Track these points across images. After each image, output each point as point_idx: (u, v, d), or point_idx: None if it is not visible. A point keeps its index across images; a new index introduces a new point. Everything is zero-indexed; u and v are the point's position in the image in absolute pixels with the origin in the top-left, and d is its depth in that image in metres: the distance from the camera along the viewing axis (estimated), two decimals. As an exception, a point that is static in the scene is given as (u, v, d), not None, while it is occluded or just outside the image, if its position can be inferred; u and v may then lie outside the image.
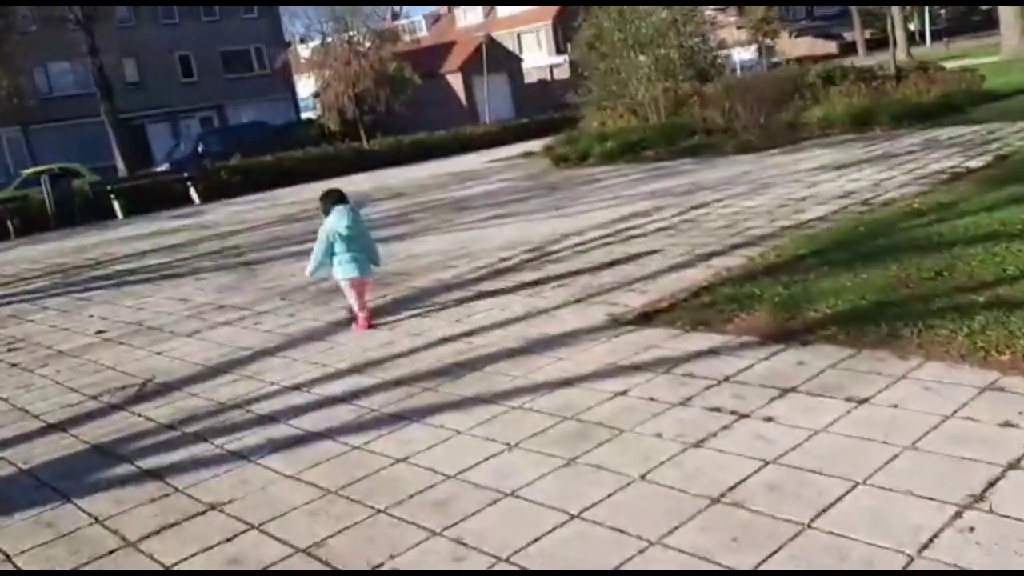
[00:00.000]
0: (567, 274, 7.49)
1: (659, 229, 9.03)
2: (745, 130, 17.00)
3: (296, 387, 5.40)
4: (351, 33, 29.47)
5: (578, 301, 6.48)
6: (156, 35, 45.51)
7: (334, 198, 6.77)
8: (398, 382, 5.17)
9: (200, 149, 32.51)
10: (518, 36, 69.30)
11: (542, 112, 36.62)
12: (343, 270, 6.69)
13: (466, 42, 53.78)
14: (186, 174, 23.60)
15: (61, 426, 5.30)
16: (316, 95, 61.04)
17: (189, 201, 23.00)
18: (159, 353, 6.90)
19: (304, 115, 53.62)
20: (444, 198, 15.41)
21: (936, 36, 59.27)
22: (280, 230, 14.11)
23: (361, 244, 6.77)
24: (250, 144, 28.97)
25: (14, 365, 7.20)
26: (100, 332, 8.00)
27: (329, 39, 30.99)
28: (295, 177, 24.61)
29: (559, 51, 68.11)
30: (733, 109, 17.71)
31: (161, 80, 46.12)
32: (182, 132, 47.02)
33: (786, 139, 15.52)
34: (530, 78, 59.48)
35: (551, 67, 65.34)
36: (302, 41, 50.73)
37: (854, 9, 58.84)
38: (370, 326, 6.68)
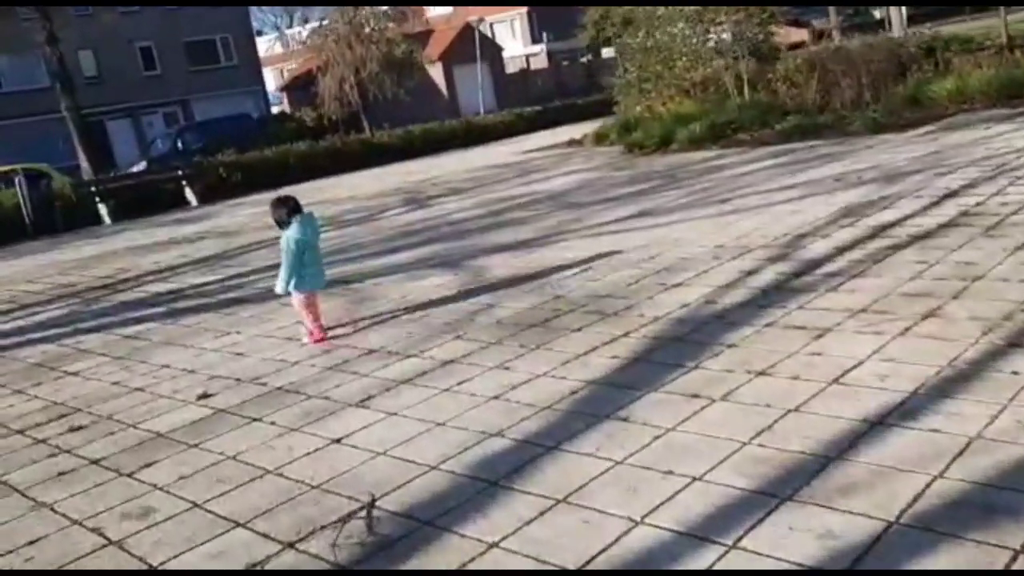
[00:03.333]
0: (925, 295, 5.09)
1: (945, 226, 6.66)
2: (856, 107, 14.77)
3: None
4: (354, 13, 26.39)
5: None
6: (115, 25, 41.96)
7: (290, 206, 6.33)
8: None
9: (179, 145, 29.48)
10: (491, 26, 66.63)
11: (525, 104, 34.21)
12: (311, 283, 6.35)
13: (445, 31, 51.03)
14: (180, 172, 20.67)
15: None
16: (283, 88, 58.02)
17: (185, 203, 20.13)
18: (337, 441, 4.33)
19: (274, 109, 50.74)
20: (524, 194, 12.87)
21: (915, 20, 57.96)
22: (336, 236, 11.48)
23: (319, 254, 6.59)
24: (233, 138, 26.07)
25: (98, 464, 4.55)
26: (204, 397, 5.38)
27: (325, 21, 27.94)
28: (302, 173, 21.86)
29: (535, 40, 65.80)
30: (836, 85, 15.45)
31: (121, 73, 42.69)
32: (145, 129, 43.78)
33: (920, 116, 13.30)
34: (507, 68, 56.94)
35: (527, 57, 62.97)
36: (276, 29, 47.49)
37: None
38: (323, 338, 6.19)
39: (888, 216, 7.26)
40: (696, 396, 4.14)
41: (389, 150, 23.90)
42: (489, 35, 63.38)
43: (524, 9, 64.68)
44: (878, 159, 10.34)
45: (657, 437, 3.76)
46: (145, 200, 19.74)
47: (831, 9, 58.93)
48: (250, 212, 16.52)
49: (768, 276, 6.06)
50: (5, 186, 19.25)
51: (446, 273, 7.99)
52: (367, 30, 26.52)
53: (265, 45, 68.40)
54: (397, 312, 6.80)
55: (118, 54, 42.56)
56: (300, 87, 51.46)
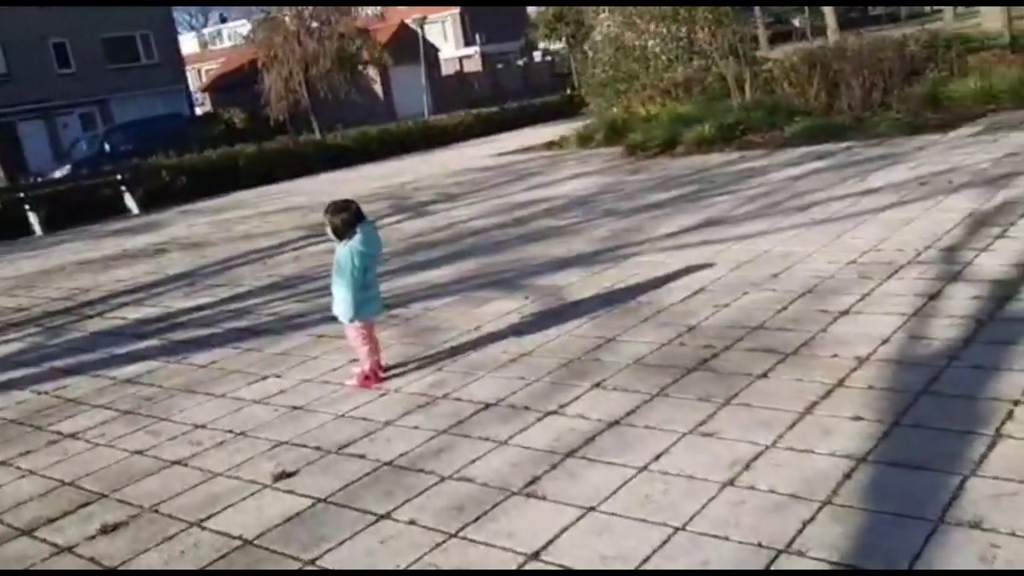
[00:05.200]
0: None
1: None
2: (866, 108, 13.96)
3: None
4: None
5: None
6: (26, 19, 39.01)
7: (352, 211, 5.03)
8: None
9: (106, 147, 27.23)
10: (421, 27, 64.95)
11: (462, 106, 32.86)
12: (372, 309, 5.18)
13: (381, 30, 49.25)
14: (119, 176, 18.69)
15: None
16: (205, 89, 55.26)
17: (124, 210, 18.20)
18: (535, 555, 3.00)
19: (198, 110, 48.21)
20: (537, 199, 11.60)
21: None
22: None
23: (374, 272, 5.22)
24: (165, 140, 24.10)
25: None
26: (283, 477, 3.96)
27: (272, 12, 25.95)
28: (252, 177, 20.13)
29: (468, 43, 64.51)
30: (840, 84, 14.63)
31: (33, 71, 39.70)
32: (60, 131, 40.87)
33: (949, 116, 12.52)
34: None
35: (460, 59, 61.65)
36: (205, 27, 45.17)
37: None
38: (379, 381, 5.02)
39: (1039, 227, 6.24)
40: (1055, 485, 2.95)
41: (345, 153, 22.29)
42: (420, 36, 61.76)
43: (456, 10, 63.30)
44: (948, 161, 9.41)
45: (1070, 560, 2.55)
46: (78, 208, 17.75)
47: (759, 19, 59.54)
48: (208, 221, 14.83)
49: (962, 301, 4.94)
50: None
51: (510, 295, 6.68)
52: (316, 24, 24.71)
53: (192, 45, 65.53)
54: (476, 347, 5.47)
55: (29, 50, 39.63)
56: (226, 87, 49.12)
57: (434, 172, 17.13)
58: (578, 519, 3.21)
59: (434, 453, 3.98)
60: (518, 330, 5.73)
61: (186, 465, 4.30)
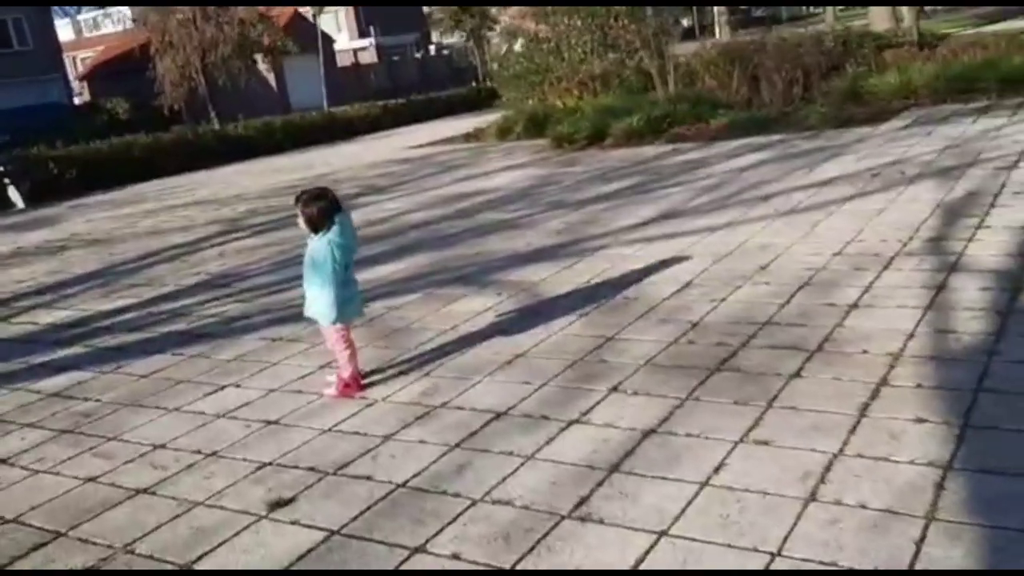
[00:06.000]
0: None
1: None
2: (787, 102, 14.08)
3: None
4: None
5: None
6: None
7: (329, 201, 4.49)
8: None
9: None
10: (313, 17, 63.21)
11: (359, 99, 31.96)
12: (354, 309, 4.67)
13: (275, 19, 47.53)
14: (1, 168, 17.24)
15: None
16: (83, 78, 52.20)
17: (9, 205, 16.81)
18: (616, 594, 2.60)
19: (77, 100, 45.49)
20: (474, 192, 11.16)
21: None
22: (271, 243, 9.35)
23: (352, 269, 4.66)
24: (43, 130, 22.55)
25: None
26: (280, 505, 3.43)
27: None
28: (149, 170, 18.96)
29: (362, 34, 63.22)
30: (761, 78, 14.71)
31: None
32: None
33: (873, 110, 12.71)
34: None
35: (355, 51, 60.36)
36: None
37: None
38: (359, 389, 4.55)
39: (1017, 215, 6.19)
40: None
41: (247, 144, 21.26)
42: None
43: (351, 1, 61.86)
44: (890, 153, 9.44)
45: None
46: (-47, 201, 16.32)
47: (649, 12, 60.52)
48: (109, 215, 13.78)
49: (972, 293, 4.78)
50: None
51: (479, 291, 6.24)
52: (213, 8, 23.38)
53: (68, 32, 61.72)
54: (461, 349, 5.02)
55: None
56: (107, 76, 46.50)
57: (351, 164, 16.44)
58: (652, 547, 2.82)
59: (454, 472, 3.51)
60: (502, 329, 5.30)
61: (154, 493, 3.70)
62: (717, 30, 45.79)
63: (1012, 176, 7.45)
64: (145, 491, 3.73)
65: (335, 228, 4.47)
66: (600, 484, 3.26)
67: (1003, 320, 4.33)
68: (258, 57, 26.85)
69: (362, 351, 5.15)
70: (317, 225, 4.50)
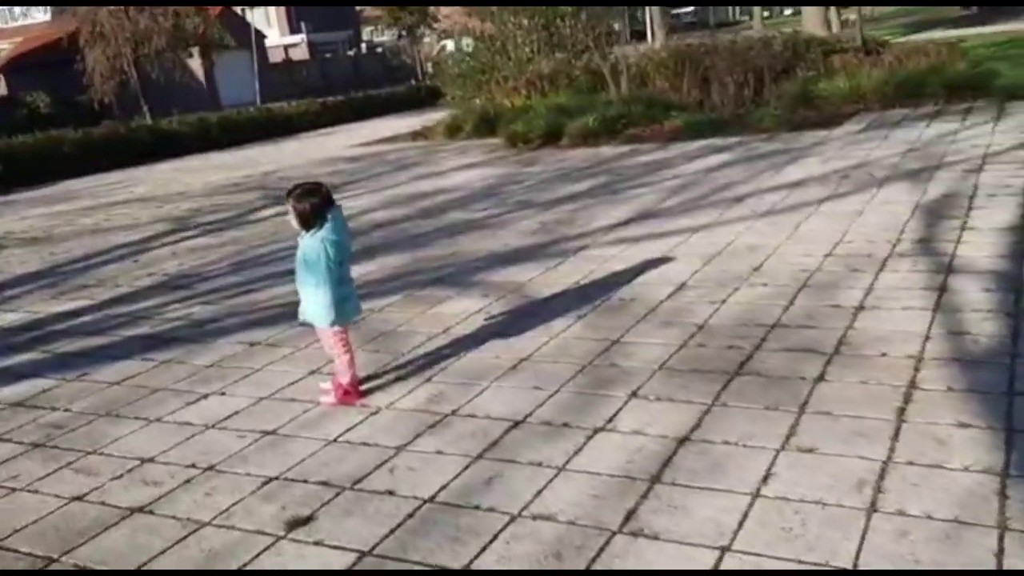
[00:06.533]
0: None
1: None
2: (738, 104, 14.20)
3: None
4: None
5: None
6: None
7: (323, 195, 4.27)
8: None
9: None
10: (243, 11, 61.79)
11: (290, 96, 31.25)
12: (351, 309, 4.42)
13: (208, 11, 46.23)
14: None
15: None
16: (-1, 71, 49.92)
17: (-73, 200, 15.88)
18: (691, 616, 2.44)
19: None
20: (433, 191, 10.92)
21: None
22: (224, 242, 8.96)
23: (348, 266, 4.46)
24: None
25: None
26: (301, 524, 3.19)
27: None
28: (78, 165, 18.17)
29: (292, 31, 62.11)
30: (711, 81, 14.79)
31: None
32: None
33: (825, 114, 12.87)
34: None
35: (286, 47, 59.26)
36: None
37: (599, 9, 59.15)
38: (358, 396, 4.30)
39: (997, 217, 6.25)
40: None
41: (182, 140, 20.55)
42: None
43: (279, -5, 60.64)
44: (852, 156, 9.52)
45: None
46: None
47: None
48: (43, 213, 13.11)
49: (975, 295, 4.77)
50: None
51: (463, 293, 6.03)
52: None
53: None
54: (458, 353, 4.82)
55: None
56: (25, 68, 44.65)
57: (297, 162, 15.99)
58: (718, 563, 2.67)
59: (483, 485, 3.32)
60: (497, 332, 5.11)
61: (151, 512, 3.41)
62: (650, 35, 46.13)
63: (981, 179, 7.55)
64: (141, 510, 3.44)
65: (328, 225, 4.26)
66: (645, 496, 3.10)
67: (1015, 322, 4.32)
68: (194, 51, 25.90)
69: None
70: (309, 222, 4.27)
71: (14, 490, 3.76)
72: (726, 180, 9.03)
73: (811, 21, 25.93)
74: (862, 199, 7.39)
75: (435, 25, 38.02)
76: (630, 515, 2.99)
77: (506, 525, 3.02)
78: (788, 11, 55.63)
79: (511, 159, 12.85)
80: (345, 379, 4.33)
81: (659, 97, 14.87)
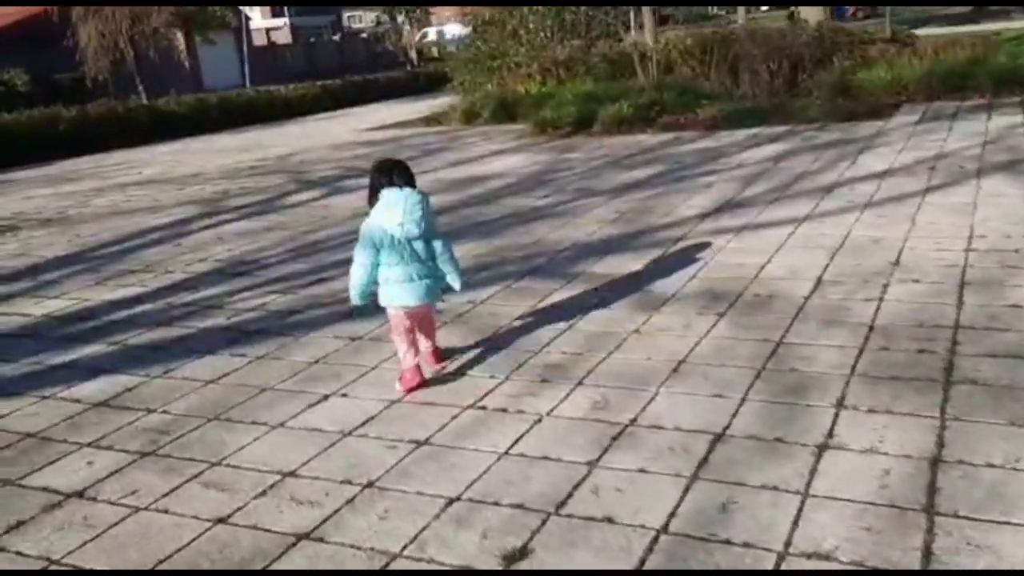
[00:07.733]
0: None
1: None
2: (772, 94, 13.82)
3: None
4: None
5: None
6: None
7: (390, 175, 4.03)
8: None
9: None
10: (229, -7, 60.49)
11: (275, 80, 30.45)
12: (403, 294, 4.04)
13: (187, -7, 45.12)
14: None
15: None
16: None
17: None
18: None
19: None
20: (477, 177, 10.40)
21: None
22: (271, 224, 8.39)
23: (428, 251, 4.08)
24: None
25: None
26: (518, 558, 2.69)
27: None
28: (74, 145, 17.38)
29: (275, 14, 61.05)
30: (750, 69, 14.39)
31: None
32: None
33: (868, 105, 12.51)
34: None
35: (268, 31, 58.23)
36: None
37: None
38: (420, 384, 4.03)
39: None
40: None
41: (181, 121, 19.78)
42: (224, 4, 57.37)
43: (264, -22, 59.54)
44: (926, 147, 9.13)
45: None
46: None
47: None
48: (50, 193, 12.40)
49: None
50: None
51: (568, 284, 5.55)
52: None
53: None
54: (597, 353, 4.33)
55: None
56: (2, 44, 43.28)
57: (309, 145, 15.34)
58: (1074, 618, 2.22)
59: (718, 512, 2.84)
60: (629, 328, 4.63)
61: (323, 540, 2.91)
62: (633, 31, 45.71)
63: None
64: (308, 536, 2.93)
65: (380, 205, 4.02)
66: (930, 532, 2.64)
67: None
68: (177, 32, 25.00)
69: (468, 352, 4.46)
70: (369, 198, 4.09)
71: (137, 509, 3.23)
72: (801, 169, 8.61)
73: (811, 16, 25.65)
74: (966, 191, 7.00)
75: (415, 14, 37.32)
76: (925, 553, 2.53)
77: (777, 564, 2.55)
78: (764, 8, 55.55)
79: (544, 145, 12.34)
80: (403, 365, 4.13)
81: (688, 85, 14.42)
